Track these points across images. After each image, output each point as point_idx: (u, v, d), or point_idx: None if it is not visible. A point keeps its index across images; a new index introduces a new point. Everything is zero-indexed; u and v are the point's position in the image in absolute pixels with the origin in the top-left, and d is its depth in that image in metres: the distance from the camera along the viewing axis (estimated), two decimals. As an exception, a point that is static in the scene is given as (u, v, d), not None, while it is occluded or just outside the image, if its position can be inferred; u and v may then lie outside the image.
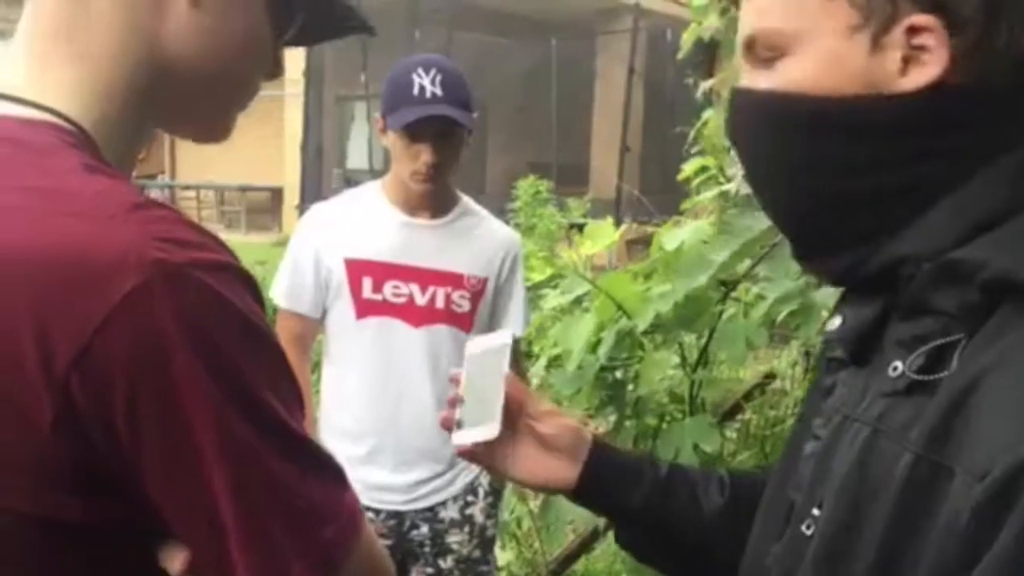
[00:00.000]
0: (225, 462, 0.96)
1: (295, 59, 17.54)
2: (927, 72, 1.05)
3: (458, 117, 2.92)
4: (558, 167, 15.94)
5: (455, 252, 3.10)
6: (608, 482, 1.52)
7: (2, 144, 1.01)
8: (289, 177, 17.77)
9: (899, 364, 1.04)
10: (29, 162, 0.99)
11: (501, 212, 10.64)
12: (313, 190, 17.12)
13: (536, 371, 3.57)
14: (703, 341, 2.85)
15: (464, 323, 3.09)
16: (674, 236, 2.67)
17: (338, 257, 3.04)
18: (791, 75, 1.11)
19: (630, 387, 3.14)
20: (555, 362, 3.19)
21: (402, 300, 3.04)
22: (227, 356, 0.96)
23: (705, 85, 3.17)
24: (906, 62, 1.06)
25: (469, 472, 3.21)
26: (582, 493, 1.52)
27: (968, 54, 1.05)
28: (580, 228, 9.27)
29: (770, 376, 4.57)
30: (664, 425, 3.01)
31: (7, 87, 1.06)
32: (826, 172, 1.10)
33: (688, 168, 3.17)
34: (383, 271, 3.04)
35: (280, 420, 1.00)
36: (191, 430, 0.95)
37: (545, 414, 1.53)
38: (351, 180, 17.96)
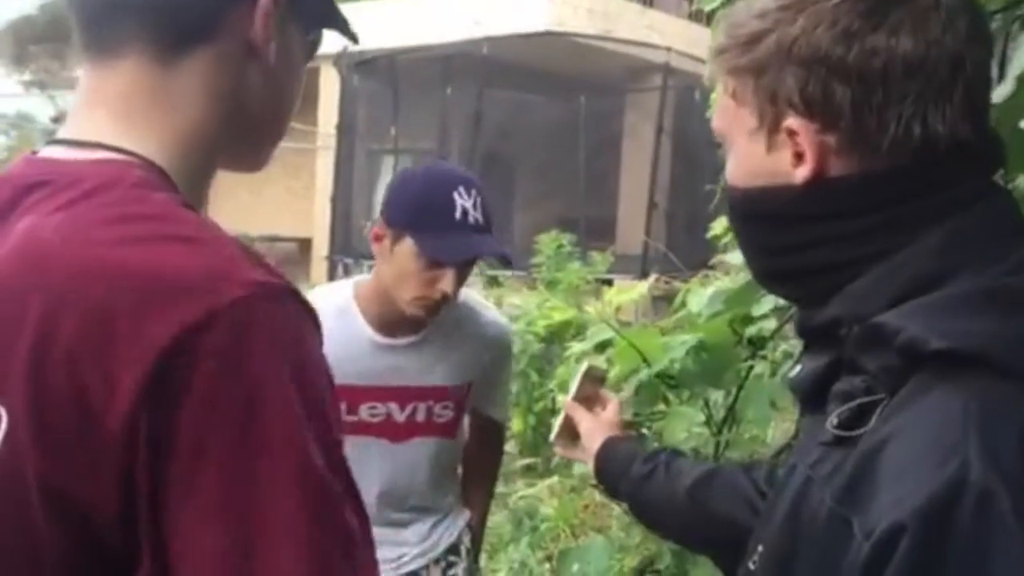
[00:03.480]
0: (300, 493, 0.95)
1: (328, 113, 17.66)
2: (806, 169, 1.16)
3: (497, 249, 2.64)
4: (585, 222, 15.93)
5: (439, 367, 2.76)
6: (606, 472, 1.94)
7: (105, 186, 1.08)
8: (318, 228, 17.84)
9: (832, 417, 1.11)
10: (126, 195, 1.07)
11: (527, 268, 10.63)
12: (343, 240, 17.16)
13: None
14: (731, 400, 2.83)
15: (448, 431, 2.83)
16: (701, 295, 2.66)
17: None
18: (729, 169, 1.26)
19: (654, 444, 3.12)
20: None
21: (379, 419, 2.72)
22: (313, 384, 0.99)
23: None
24: (798, 157, 1.17)
25: (450, 534, 3.03)
26: (597, 479, 1.99)
27: (845, 148, 1.15)
28: (606, 283, 9.26)
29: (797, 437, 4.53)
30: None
31: (88, 138, 1.14)
32: (758, 252, 1.27)
33: (717, 226, 3.17)
34: (358, 394, 2.69)
35: (345, 464, 1.02)
36: (269, 449, 0.94)
37: (583, 419, 2.05)
38: (380, 232, 17.97)
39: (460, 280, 2.57)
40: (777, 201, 1.19)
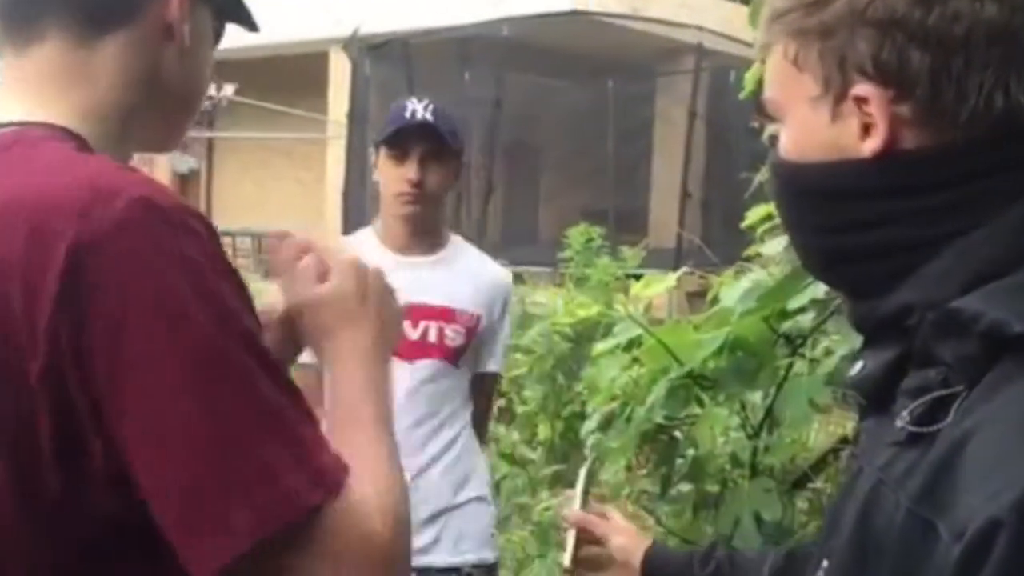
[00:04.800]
0: (207, 377, 1.08)
1: (338, 101, 17.71)
2: (876, 140, 1.14)
3: (449, 139, 3.23)
4: (615, 214, 15.93)
5: (447, 287, 3.28)
6: None
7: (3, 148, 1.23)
8: (330, 223, 17.89)
9: (904, 414, 1.09)
10: (24, 152, 1.20)
11: (554, 263, 10.63)
12: (356, 238, 17.21)
13: (587, 430, 3.56)
14: (768, 401, 2.83)
15: (454, 357, 3.28)
16: (735, 288, 2.66)
17: None
18: (783, 142, 1.23)
19: (690, 450, 3.12)
20: (609, 421, 3.18)
21: None
22: (213, 282, 1.11)
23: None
24: (865, 129, 1.14)
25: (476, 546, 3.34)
26: None
27: (920, 119, 1.12)
28: (638, 279, 9.19)
29: (845, 441, 4.51)
30: (726, 491, 2.99)
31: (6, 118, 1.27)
32: (813, 232, 1.23)
33: (752, 215, 3.15)
34: None
35: (267, 353, 1.14)
36: (177, 344, 1.07)
37: (609, 531, 1.91)
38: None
39: (428, 171, 3.23)
40: (840, 175, 1.17)
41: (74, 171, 1.15)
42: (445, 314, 3.27)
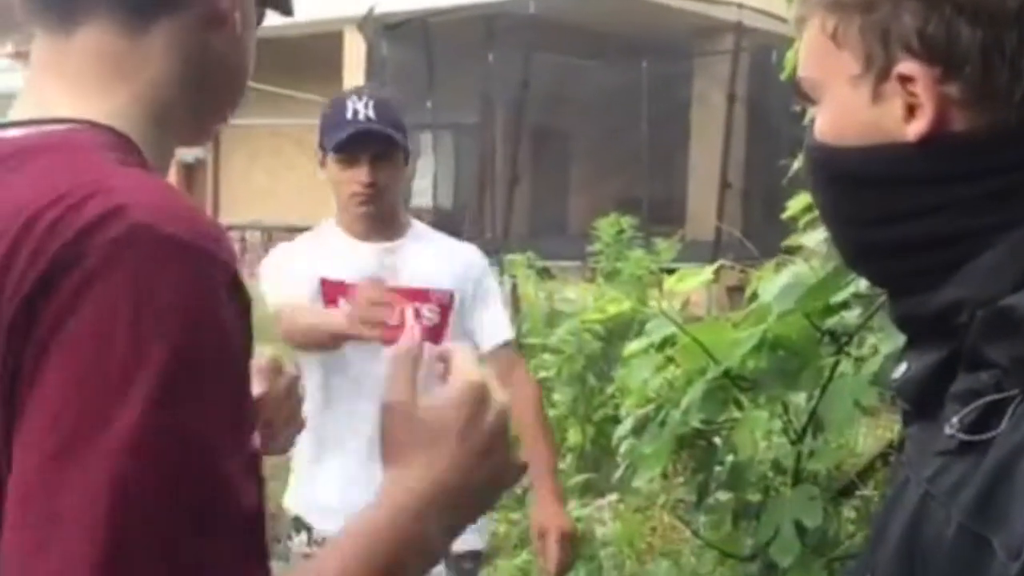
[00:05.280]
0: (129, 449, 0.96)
1: (352, 82, 17.72)
2: (921, 123, 1.11)
3: (386, 136, 3.33)
4: (650, 204, 15.90)
5: (416, 268, 3.42)
6: None
7: (44, 152, 1.15)
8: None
9: (954, 420, 1.06)
10: (65, 159, 1.13)
11: (584, 256, 10.62)
12: (372, 231, 17.24)
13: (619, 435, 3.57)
14: (812, 404, 2.83)
15: (435, 337, 3.32)
16: (773, 283, 2.65)
17: (312, 282, 3.37)
18: (819, 125, 1.21)
19: (729, 456, 3.12)
20: (643, 425, 3.19)
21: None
22: (170, 352, 0.99)
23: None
24: (910, 110, 1.12)
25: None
26: None
27: (969, 100, 1.10)
28: (673, 274, 9.14)
29: (894, 445, 4.51)
30: (768, 500, 3.00)
31: (41, 115, 1.20)
32: (851, 223, 1.21)
33: (794, 205, 3.15)
34: (344, 290, 3.30)
35: (226, 483, 1.01)
36: (107, 425, 0.97)
37: None
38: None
39: (377, 172, 3.34)
40: (881, 161, 1.14)
41: (89, 184, 1.07)
42: (418, 295, 3.37)
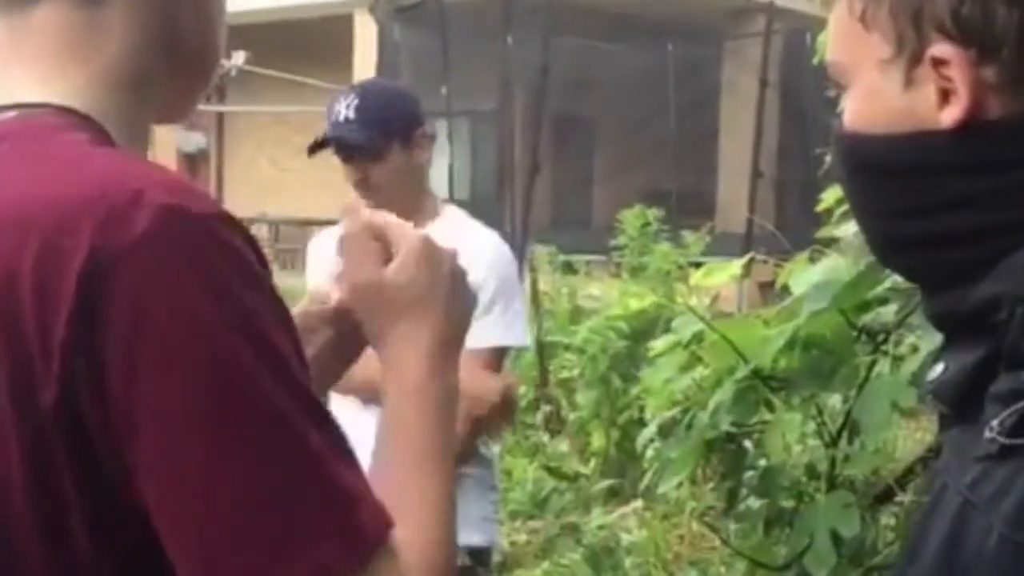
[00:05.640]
0: (237, 420, 1.05)
1: (364, 69, 17.74)
2: (956, 109, 1.10)
3: (359, 140, 3.44)
4: (677, 195, 15.90)
5: None
6: None
7: (12, 140, 1.16)
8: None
9: (994, 423, 1.05)
10: (29, 148, 1.16)
11: (608, 250, 10.63)
12: (385, 224, 17.24)
13: (644, 439, 3.57)
14: (848, 405, 2.83)
15: None
16: (805, 276, 2.65)
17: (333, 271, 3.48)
18: (848, 112, 1.20)
19: (760, 461, 3.12)
20: (670, 428, 3.19)
21: None
22: (246, 307, 1.08)
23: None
24: (944, 95, 1.11)
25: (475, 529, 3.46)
26: None
27: (1007, 84, 1.09)
28: (701, 268, 9.11)
29: (934, 449, 4.50)
30: (801, 507, 3.00)
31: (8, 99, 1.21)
32: (882, 215, 1.20)
33: (829, 196, 3.15)
34: None
35: (306, 388, 1.11)
36: (204, 384, 1.04)
37: None
38: (429, 212, 18.01)
39: (366, 169, 3.44)
40: (914, 149, 1.14)
41: (88, 172, 1.11)
42: None
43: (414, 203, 3.51)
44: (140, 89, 1.27)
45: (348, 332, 1.40)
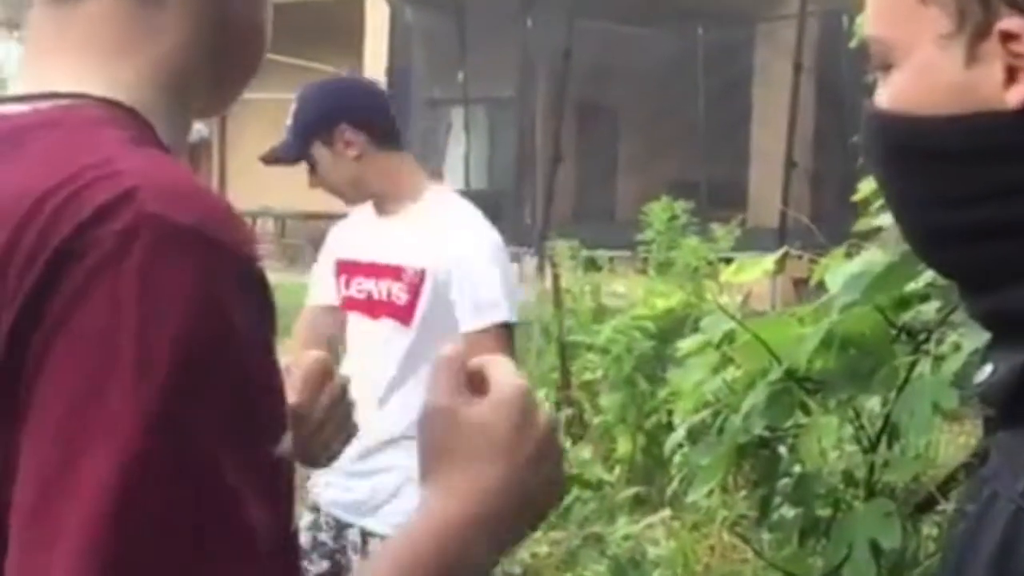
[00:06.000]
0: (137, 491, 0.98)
1: (376, 54, 17.78)
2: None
3: (282, 151, 3.80)
4: (707, 186, 15.90)
5: (398, 244, 3.70)
6: None
7: (45, 129, 1.15)
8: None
9: None
10: (69, 138, 1.13)
11: (633, 244, 10.62)
12: (397, 218, 17.26)
13: (672, 444, 3.58)
14: (887, 408, 2.83)
15: (404, 316, 3.67)
16: (842, 272, 2.65)
17: (332, 257, 3.94)
18: (893, 91, 1.16)
19: (795, 467, 3.13)
20: (699, 433, 3.20)
21: (362, 295, 3.79)
22: (172, 355, 1.00)
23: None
24: (1011, 73, 1.08)
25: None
26: None
27: None
28: (731, 263, 9.06)
29: (979, 454, 4.49)
30: (839, 515, 3.00)
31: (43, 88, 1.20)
32: (929, 204, 1.16)
33: (866, 186, 3.15)
34: (351, 269, 3.84)
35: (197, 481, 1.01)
36: (86, 415, 0.99)
37: None
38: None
39: (312, 174, 3.75)
40: (973, 131, 1.11)
41: (96, 167, 1.07)
42: (390, 272, 3.70)
43: (378, 192, 3.77)
44: (187, 86, 1.27)
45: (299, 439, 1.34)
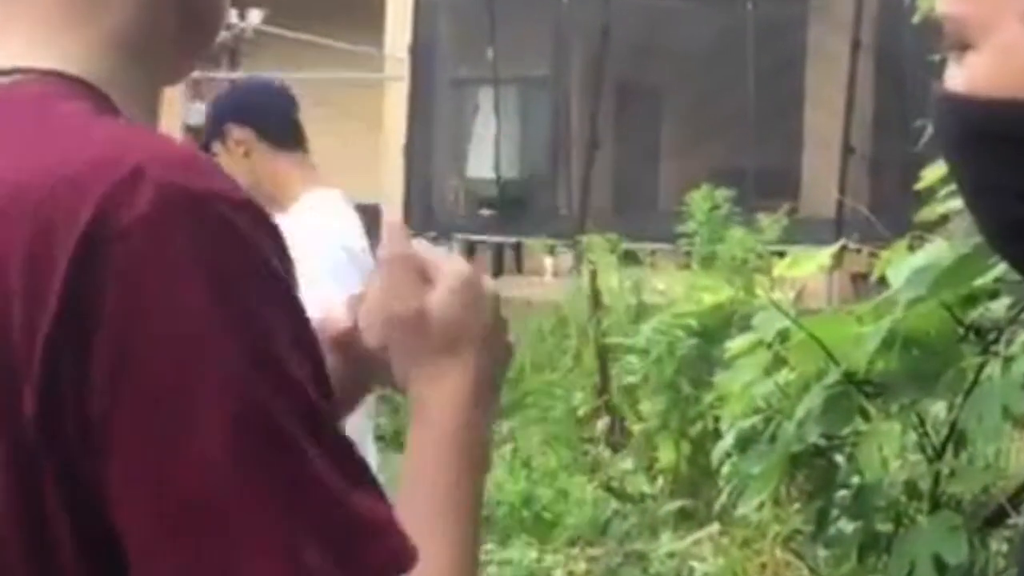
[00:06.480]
0: (240, 443, 1.04)
1: (398, 31, 17.79)
2: None
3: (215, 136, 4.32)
4: (757, 174, 15.87)
5: None
6: None
7: (10, 107, 1.18)
8: (388, 191, 17.97)
9: None
10: (25, 116, 1.16)
11: (675, 237, 10.61)
12: (421, 207, 17.25)
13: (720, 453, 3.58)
14: (953, 414, 2.83)
15: None
16: (905, 266, 2.65)
17: None
18: (970, 73, 1.15)
19: (854, 478, 3.12)
20: (749, 440, 3.20)
21: None
22: (252, 311, 1.07)
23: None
24: None
25: None
26: None
27: None
28: (784, 257, 9.02)
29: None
30: (901, 530, 3.00)
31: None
32: (1004, 192, 1.16)
33: (931, 174, 3.14)
34: None
35: (312, 402, 1.09)
36: (194, 392, 1.04)
37: None
38: (473, 194, 18.09)
39: None
40: None
41: (89, 145, 1.10)
42: None
43: (269, 193, 4.15)
44: (148, 52, 1.29)
45: (357, 361, 1.39)
